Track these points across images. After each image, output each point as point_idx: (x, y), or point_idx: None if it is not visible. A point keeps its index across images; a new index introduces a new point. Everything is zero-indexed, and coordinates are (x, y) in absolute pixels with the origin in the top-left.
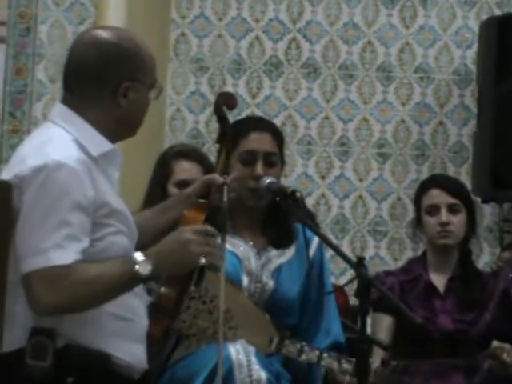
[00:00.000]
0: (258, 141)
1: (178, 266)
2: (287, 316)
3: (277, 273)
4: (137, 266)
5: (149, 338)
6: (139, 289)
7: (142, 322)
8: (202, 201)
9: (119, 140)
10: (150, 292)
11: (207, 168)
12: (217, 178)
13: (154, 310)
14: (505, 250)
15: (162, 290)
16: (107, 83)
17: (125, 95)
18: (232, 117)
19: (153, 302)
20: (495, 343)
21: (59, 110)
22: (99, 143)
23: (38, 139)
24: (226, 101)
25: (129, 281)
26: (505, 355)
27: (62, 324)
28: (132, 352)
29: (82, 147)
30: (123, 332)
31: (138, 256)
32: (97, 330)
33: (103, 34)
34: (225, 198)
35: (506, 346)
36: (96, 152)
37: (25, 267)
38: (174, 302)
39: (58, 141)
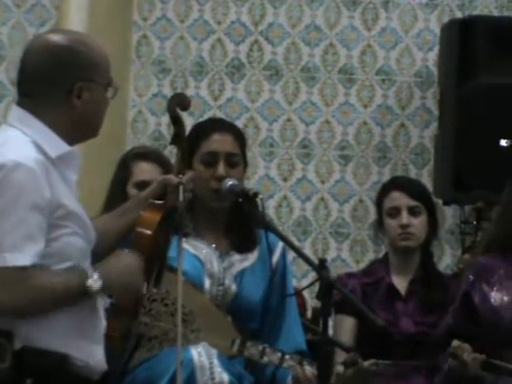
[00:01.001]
0: (219, 142)
1: (126, 291)
2: (249, 320)
3: (239, 277)
4: (89, 281)
5: (107, 339)
6: None
7: (101, 323)
8: (158, 202)
9: (79, 142)
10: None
11: (167, 169)
12: (172, 178)
13: (113, 311)
14: (466, 253)
15: None
16: (61, 85)
17: (79, 96)
18: (194, 119)
19: (111, 302)
20: (455, 342)
21: (16, 112)
22: (57, 145)
23: None
24: (179, 102)
25: (78, 294)
26: (465, 355)
27: (20, 325)
28: (91, 352)
29: (39, 149)
30: (82, 333)
31: (95, 284)
32: (56, 330)
33: (54, 38)
34: (180, 198)
35: (466, 345)
36: (54, 154)
37: None
38: (133, 303)
39: (15, 142)
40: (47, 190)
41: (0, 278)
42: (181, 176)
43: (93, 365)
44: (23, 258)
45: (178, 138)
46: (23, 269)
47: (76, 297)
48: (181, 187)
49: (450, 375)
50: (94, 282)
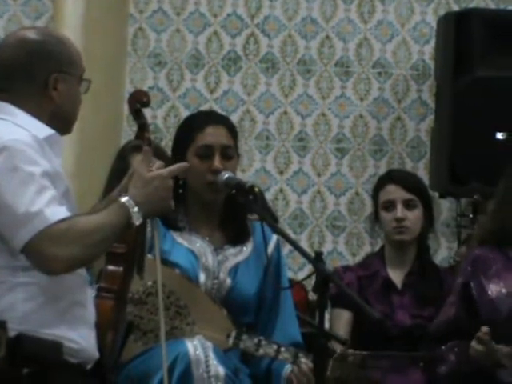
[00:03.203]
0: (214, 135)
1: (157, 213)
2: (244, 314)
3: (234, 271)
4: (133, 219)
5: (97, 328)
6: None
7: (93, 310)
8: None
9: None
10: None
11: (164, 161)
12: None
13: (100, 290)
14: (463, 245)
15: (109, 267)
16: (36, 79)
17: (55, 87)
18: (190, 112)
19: (99, 285)
20: (484, 328)
21: None
22: (41, 128)
23: None
24: (138, 99)
25: (123, 230)
26: (493, 343)
27: (18, 309)
28: (86, 336)
29: (27, 131)
30: (79, 317)
31: (131, 206)
32: (54, 313)
33: (26, 33)
34: None
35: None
36: (41, 135)
37: (23, 236)
38: (120, 281)
39: (3, 126)
40: (47, 163)
41: (50, 236)
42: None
43: (86, 347)
44: (62, 210)
45: (142, 129)
46: (66, 220)
47: (122, 229)
48: None
49: (458, 367)
50: (135, 216)
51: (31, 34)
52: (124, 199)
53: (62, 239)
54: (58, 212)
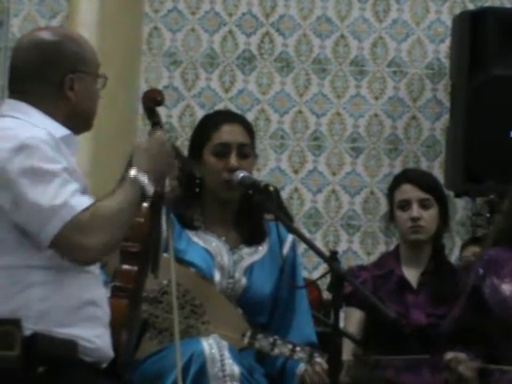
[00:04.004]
0: (230, 133)
1: (164, 177)
2: (258, 314)
3: (249, 271)
4: (146, 189)
5: (111, 328)
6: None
7: (108, 309)
8: None
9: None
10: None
11: (179, 161)
12: None
13: (115, 289)
14: (468, 246)
15: (123, 267)
16: (52, 80)
17: (71, 88)
18: (205, 111)
19: (113, 284)
20: (449, 355)
21: (9, 104)
22: (57, 128)
23: None
24: (152, 97)
25: (140, 204)
26: (460, 368)
27: (33, 308)
28: (101, 335)
29: (44, 129)
30: (94, 316)
31: (141, 177)
32: (70, 313)
33: (40, 35)
34: (167, 184)
35: (461, 355)
36: (57, 134)
37: (52, 230)
38: (134, 280)
39: (20, 125)
40: (65, 161)
41: (79, 225)
42: None
43: (101, 346)
44: (85, 200)
45: (155, 127)
46: (91, 207)
47: (139, 204)
48: None
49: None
50: (147, 185)
51: (45, 35)
52: (132, 173)
53: (90, 228)
54: (83, 201)
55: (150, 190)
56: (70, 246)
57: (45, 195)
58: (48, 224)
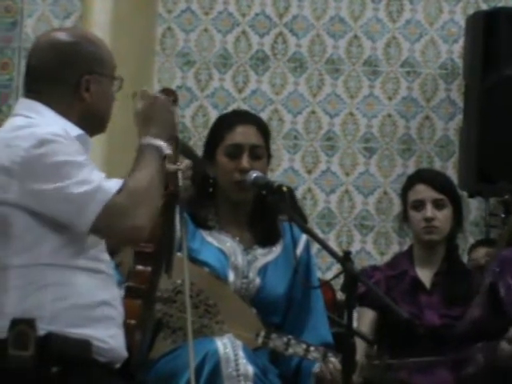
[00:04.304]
0: (243, 134)
1: (171, 132)
2: (272, 314)
3: (263, 271)
4: (163, 151)
5: (125, 328)
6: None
7: (121, 309)
8: None
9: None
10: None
11: (193, 161)
12: (169, 166)
13: (129, 290)
14: (476, 247)
15: (137, 267)
16: (68, 81)
17: (87, 89)
18: (218, 112)
19: (127, 284)
20: None
21: (24, 104)
22: (71, 128)
23: (11, 129)
24: (166, 95)
25: (163, 165)
26: None
27: (47, 308)
28: (114, 335)
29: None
30: (108, 317)
31: (154, 141)
32: (83, 313)
33: (57, 35)
34: (180, 183)
35: None
36: (73, 133)
37: (90, 214)
38: (148, 280)
39: (35, 123)
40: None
41: (117, 209)
42: (178, 163)
43: (115, 347)
44: (115, 182)
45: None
46: (124, 186)
47: (163, 168)
48: (179, 173)
49: (485, 367)
50: (162, 145)
51: (62, 36)
52: (144, 141)
53: (129, 208)
54: (115, 183)
55: (167, 149)
56: (112, 230)
57: (76, 184)
58: (85, 210)
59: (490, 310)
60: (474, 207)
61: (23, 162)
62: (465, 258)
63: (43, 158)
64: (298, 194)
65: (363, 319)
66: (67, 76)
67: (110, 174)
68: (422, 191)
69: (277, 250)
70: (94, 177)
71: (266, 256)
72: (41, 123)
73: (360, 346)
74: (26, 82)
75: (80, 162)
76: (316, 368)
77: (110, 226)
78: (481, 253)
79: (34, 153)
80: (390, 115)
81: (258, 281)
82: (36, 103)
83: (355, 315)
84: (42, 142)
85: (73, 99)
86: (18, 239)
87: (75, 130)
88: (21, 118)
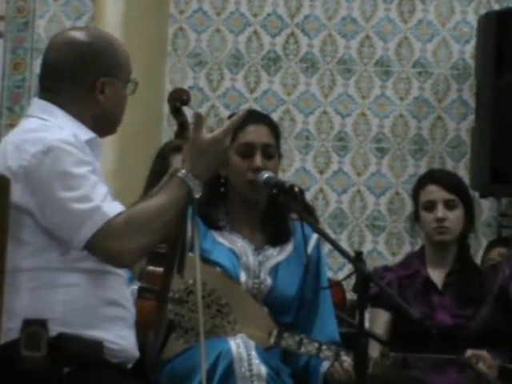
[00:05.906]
0: (255, 133)
1: (211, 169)
2: (284, 314)
3: (274, 271)
4: (193, 192)
5: (137, 328)
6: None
7: (132, 309)
8: None
9: (99, 137)
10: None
11: None
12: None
13: (142, 290)
14: (493, 247)
15: (149, 268)
16: (84, 81)
17: (102, 91)
18: (230, 112)
19: (140, 285)
20: (469, 352)
21: (37, 104)
22: (83, 131)
23: (23, 132)
24: (178, 96)
25: (184, 206)
26: (481, 364)
27: (58, 310)
28: (125, 336)
29: (69, 131)
30: (119, 317)
31: (190, 180)
32: (94, 314)
33: (76, 35)
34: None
35: (483, 353)
36: (83, 137)
37: (85, 234)
38: (161, 281)
39: (47, 127)
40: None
41: (112, 231)
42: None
43: (127, 348)
44: (117, 205)
45: (182, 128)
46: (125, 212)
47: (184, 205)
48: None
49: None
50: (196, 188)
51: (81, 36)
52: (182, 173)
53: (125, 232)
54: (115, 206)
55: (197, 194)
56: (103, 251)
57: (76, 199)
58: (81, 228)
59: (499, 311)
60: (486, 207)
61: (28, 166)
62: (477, 259)
63: (48, 165)
64: (310, 194)
65: (378, 320)
66: (84, 76)
67: (122, 173)
68: (434, 192)
69: (288, 249)
70: (95, 195)
71: (277, 256)
72: (53, 127)
73: (374, 347)
74: (41, 80)
75: (84, 174)
76: (324, 368)
77: (102, 248)
78: (498, 252)
79: (39, 159)
80: (401, 115)
81: (269, 281)
82: (50, 105)
83: (367, 316)
84: (50, 149)
85: (87, 100)
86: (28, 244)
87: (86, 134)
88: (34, 119)
